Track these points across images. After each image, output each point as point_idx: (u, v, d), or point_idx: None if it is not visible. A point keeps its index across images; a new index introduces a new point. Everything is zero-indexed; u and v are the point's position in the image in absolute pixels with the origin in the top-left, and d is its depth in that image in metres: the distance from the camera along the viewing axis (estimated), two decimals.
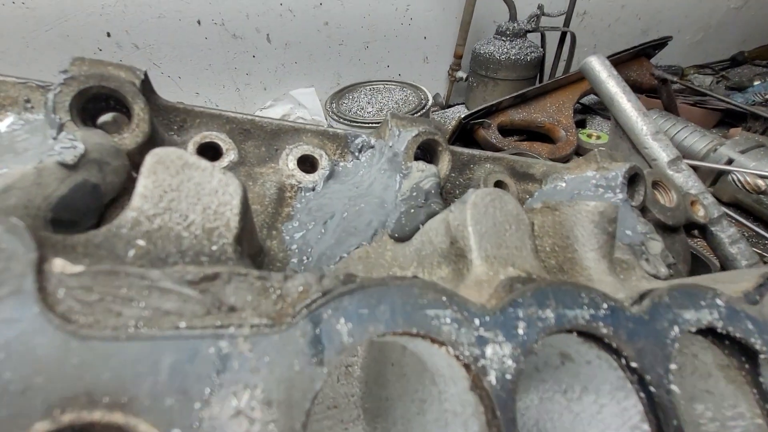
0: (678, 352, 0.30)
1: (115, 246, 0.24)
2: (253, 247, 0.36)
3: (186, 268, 0.22)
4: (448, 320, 0.26)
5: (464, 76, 1.95)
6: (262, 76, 1.76)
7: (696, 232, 0.84)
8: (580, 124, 1.87)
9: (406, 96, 1.61)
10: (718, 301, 0.32)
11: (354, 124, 1.45)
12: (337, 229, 0.48)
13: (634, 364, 0.28)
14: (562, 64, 1.99)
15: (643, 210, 0.67)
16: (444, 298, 0.26)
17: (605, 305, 0.29)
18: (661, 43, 1.92)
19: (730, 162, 1.41)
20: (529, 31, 1.78)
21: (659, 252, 0.58)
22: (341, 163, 0.58)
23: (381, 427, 0.42)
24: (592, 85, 1.00)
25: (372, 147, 0.58)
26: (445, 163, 0.55)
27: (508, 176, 0.69)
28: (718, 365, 0.35)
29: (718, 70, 2.43)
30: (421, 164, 0.52)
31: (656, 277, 0.53)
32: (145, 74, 0.47)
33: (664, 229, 0.70)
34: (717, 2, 2.44)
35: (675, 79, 1.82)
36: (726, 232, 0.82)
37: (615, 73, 0.95)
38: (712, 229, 0.82)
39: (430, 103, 1.56)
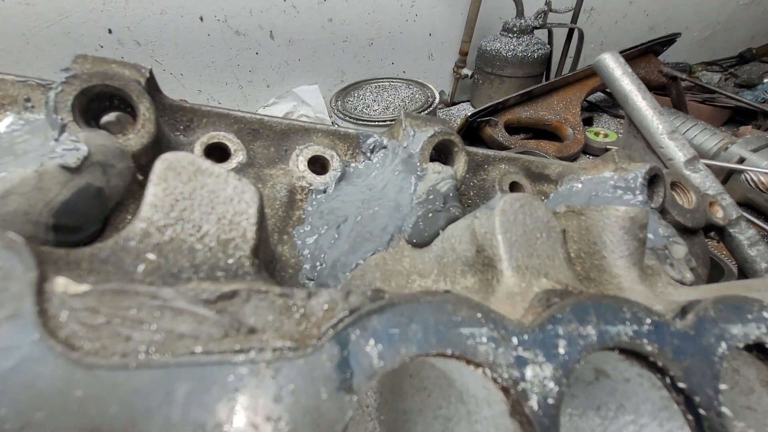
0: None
1: (123, 261, 0.22)
2: (266, 255, 0.34)
3: (201, 285, 0.20)
4: (485, 339, 0.23)
5: (469, 73, 1.92)
6: (265, 73, 1.74)
7: (712, 234, 0.82)
8: (587, 122, 1.85)
9: (412, 93, 1.59)
10: (766, 314, 0.30)
11: (360, 122, 1.43)
12: (351, 233, 0.45)
13: (681, 385, 0.26)
14: (569, 61, 1.97)
15: (661, 212, 0.65)
16: (479, 315, 0.24)
17: (648, 320, 0.27)
18: (669, 40, 1.89)
19: (741, 161, 1.38)
20: (536, 28, 1.76)
21: (683, 256, 0.56)
22: (352, 164, 0.56)
23: None
24: (605, 83, 0.97)
25: (384, 147, 0.56)
26: (461, 164, 0.53)
27: (523, 177, 0.67)
28: (762, 381, 0.33)
29: (726, 67, 2.40)
30: (437, 166, 0.50)
31: (681, 282, 0.51)
32: (150, 72, 0.45)
33: (683, 231, 0.68)
34: None
35: (684, 76, 1.79)
36: (745, 234, 0.80)
37: (629, 70, 0.92)
38: (731, 230, 0.80)
39: (437, 100, 1.54)
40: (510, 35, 1.74)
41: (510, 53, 1.72)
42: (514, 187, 0.65)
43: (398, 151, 0.53)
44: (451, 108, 2.04)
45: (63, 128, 0.38)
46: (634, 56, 1.83)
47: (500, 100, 1.55)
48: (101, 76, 0.39)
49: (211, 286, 0.20)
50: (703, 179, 0.81)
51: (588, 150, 1.64)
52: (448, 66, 2.03)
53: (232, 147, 0.50)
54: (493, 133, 1.54)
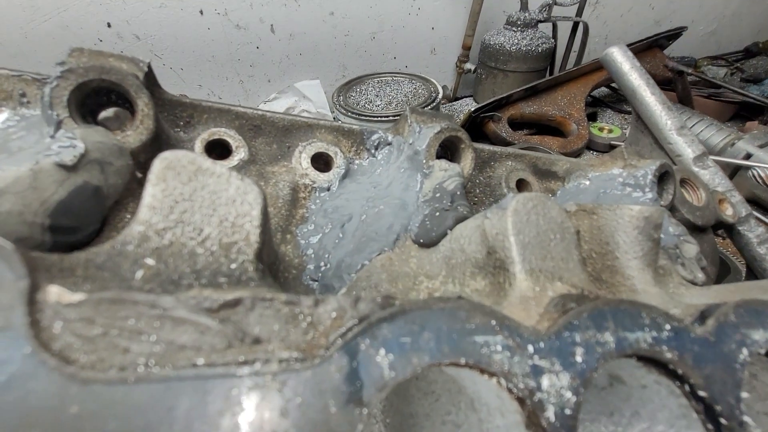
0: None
1: (121, 266, 0.21)
2: (270, 257, 0.33)
3: (203, 292, 0.19)
4: (500, 348, 0.22)
5: (472, 67, 1.90)
6: (266, 67, 1.72)
7: (721, 231, 0.81)
8: (591, 117, 1.83)
9: (415, 88, 1.57)
10: None
11: (362, 117, 1.41)
12: (356, 233, 0.44)
13: (702, 393, 0.25)
14: (573, 56, 1.94)
15: (671, 210, 0.64)
16: (493, 322, 0.23)
17: (668, 326, 0.26)
18: (675, 34, 1.86)
19: (748, 157, 1.37)
20: (541, 21, 1.73)
21: (694, 255, 0.55)
22: (356, 161, 0.55)
23: None
24: (612, 77, 0.95)
25: (389, 144, 0.55)
26: (468, 161, 0.52)
27: (530, 174, 0.66)
28: None
29: (732, 61, 2.37)
30: (443, 163, 0.49)
31: (693, 283, 0.50)
32: (149, 66, 0.44)
33: (692, 229, 0.67)
34: None
35: (689, 70, 1.77)
36: (754, 232, 0.78)
37: (638, 64, 0.90)
38: (740, 228, 0.79)
39: (440, 95, 1.52)
40: (514, 29, 1.71)
41: (514, 47, 1.69)
42: (521, 184, 0.64)
43: (404, 148, 0.52)
44: (453, 103, 2.02)
45: (59, 125, 0.36)
46: (639, 50, 1.81)
47: (504, 95, 1.53)
48: (98, 70, 0.38)
49: (214, 293, 0.19)
50: (712, 176, 0.80)
51: (592, 146, 1.63)
52: (451, 60, 2.01)
53: (233, 143, 0.49)
54: (496, 128, 1.52)
